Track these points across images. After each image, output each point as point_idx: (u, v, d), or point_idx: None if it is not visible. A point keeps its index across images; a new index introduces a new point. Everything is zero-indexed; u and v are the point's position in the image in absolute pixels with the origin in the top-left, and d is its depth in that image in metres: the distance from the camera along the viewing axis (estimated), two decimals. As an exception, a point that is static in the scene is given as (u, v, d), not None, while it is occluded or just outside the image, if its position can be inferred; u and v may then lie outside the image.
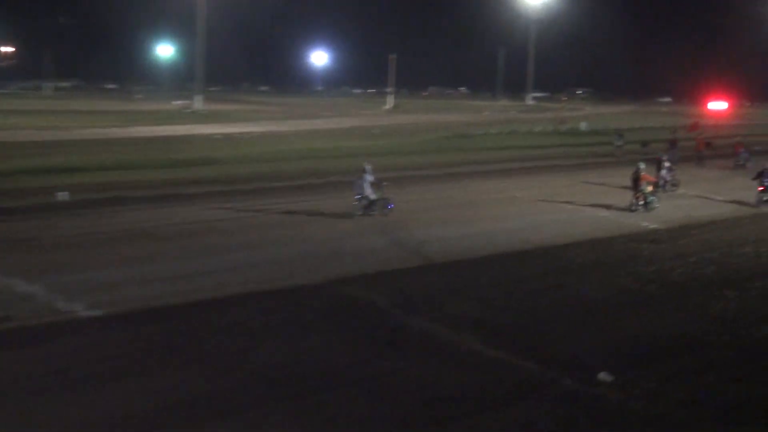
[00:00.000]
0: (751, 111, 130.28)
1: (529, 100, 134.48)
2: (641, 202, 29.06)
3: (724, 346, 14.49)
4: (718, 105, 56.36)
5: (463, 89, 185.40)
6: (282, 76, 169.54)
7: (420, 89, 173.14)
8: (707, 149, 46.41)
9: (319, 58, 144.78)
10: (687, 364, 13.31)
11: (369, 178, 25.71)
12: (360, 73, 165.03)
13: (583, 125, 71.64)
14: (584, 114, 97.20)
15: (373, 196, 25.73)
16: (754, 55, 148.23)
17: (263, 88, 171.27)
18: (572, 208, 29.26)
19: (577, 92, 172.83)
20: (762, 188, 31.33)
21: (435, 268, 19.28)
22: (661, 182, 32.19)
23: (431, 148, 49.70)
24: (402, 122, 75.82)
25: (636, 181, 29.14)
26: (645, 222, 26.75)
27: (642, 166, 29.47)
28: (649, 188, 29.27)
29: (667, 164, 33.10)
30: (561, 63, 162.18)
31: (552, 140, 59.34)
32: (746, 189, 32.61)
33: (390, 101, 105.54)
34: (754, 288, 18.62)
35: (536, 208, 28.92)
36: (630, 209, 28.74)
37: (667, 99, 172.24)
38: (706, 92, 71.88)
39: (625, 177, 30.92)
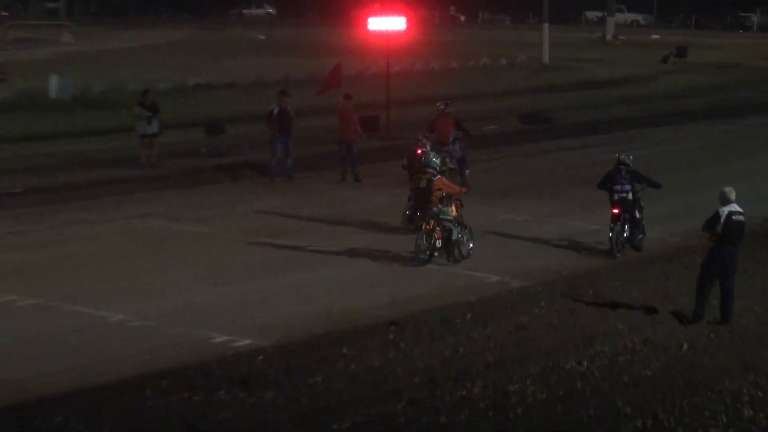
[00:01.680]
0: (465, 32, 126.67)
1: None
2: (437, 243, 30.11)
3: None
4: (388, 23, 53.26)
5: None
6: None
7: None
8: (362, 135, 44.34)
9: None
10: None
11: None
12: None
13: (54, 83, 64.09)
14: (59, 53, 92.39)
15: None
16: None
17: None
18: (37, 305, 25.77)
19: (49, 5, 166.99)
20: (617, 211, 32.55)
21: None
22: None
23: None
24: None
25: (424, 194, 30.76)
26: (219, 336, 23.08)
27: (435, 160, 31.25)
28: (452, 212, 30.62)
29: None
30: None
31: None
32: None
33: None
34: None
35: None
36: (418, 258, 29.53)
37: (268, 10, 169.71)
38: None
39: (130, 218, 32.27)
